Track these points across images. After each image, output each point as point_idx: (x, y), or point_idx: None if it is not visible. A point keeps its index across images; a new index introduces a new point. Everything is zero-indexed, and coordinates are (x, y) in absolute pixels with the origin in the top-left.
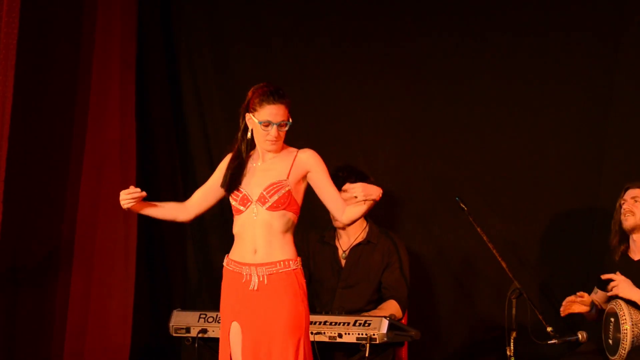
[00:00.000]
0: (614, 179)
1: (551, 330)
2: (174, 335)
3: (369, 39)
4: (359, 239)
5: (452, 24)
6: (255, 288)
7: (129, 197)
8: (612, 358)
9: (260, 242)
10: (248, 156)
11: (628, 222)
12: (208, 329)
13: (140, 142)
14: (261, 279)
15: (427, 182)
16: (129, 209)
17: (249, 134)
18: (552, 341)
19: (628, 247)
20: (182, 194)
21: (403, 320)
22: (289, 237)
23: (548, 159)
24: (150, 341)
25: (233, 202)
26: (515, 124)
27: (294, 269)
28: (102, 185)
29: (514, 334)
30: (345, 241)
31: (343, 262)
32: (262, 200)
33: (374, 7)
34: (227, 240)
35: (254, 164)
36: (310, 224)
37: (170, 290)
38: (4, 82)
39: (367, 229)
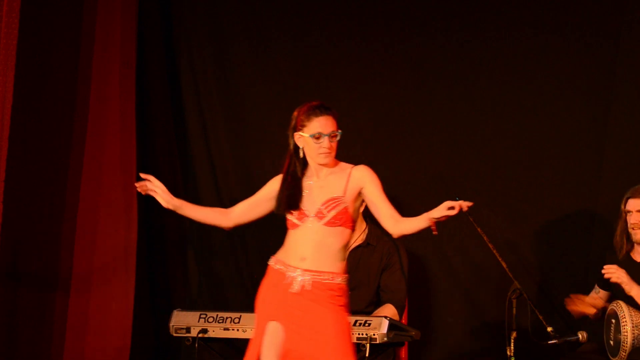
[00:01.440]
0: (614, 179)
1: (551, 331)
2: (174, 335)
3: (369, 39)
4: (358, 242)
5: (452, 24)
6: (297, 291)
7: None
8: (613, 359)
9: (309, 251)
10: (303, 176)
11: (637, 236)
12: (208, 329)
13: (140, 142)
14: (304, 283)
15: (427, 182)
16: (173, 209)
17: (300, 153)
18: (553, 341)
19: (632, 247)
20: (182, 194)
21: (403, 320)
22: (342, 255)
23: (548, 159)
24: (150, 341)
25: (290, 218)
26: (516, 123)
27: (339, 283)
28: (102, 185)
29: (514, 334)
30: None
31: None
32: (319, 215)
33: (374, 7)
34: (226, 241)
35: (309, 182)
36: None
37: (171, 290)
38: (4, 82)
39: (366, 231)
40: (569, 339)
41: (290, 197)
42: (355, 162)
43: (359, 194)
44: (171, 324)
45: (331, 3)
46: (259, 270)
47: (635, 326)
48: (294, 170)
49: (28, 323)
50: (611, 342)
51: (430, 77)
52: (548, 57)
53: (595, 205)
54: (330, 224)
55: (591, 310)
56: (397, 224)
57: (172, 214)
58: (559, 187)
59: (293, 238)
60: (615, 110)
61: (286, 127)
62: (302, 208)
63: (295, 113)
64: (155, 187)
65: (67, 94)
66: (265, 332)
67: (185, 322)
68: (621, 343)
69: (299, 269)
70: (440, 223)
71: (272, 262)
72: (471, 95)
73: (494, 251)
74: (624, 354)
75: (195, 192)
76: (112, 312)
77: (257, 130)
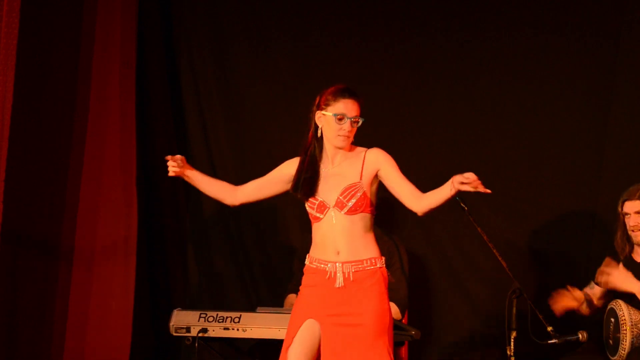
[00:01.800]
0: (614, 179)
1: (551, 330)
2: (174, 334)
3: (369, 39)
4: None
5: (452, 24)
6: (342, 285)
7: (171, 167)
8: (613, 358)
9: (342, 244)
10: (320, 160)
11: (639, 238)
12: (208, 328)
13: (140, 142)
14: (347, 276)
15: (427, 181)
16: (181, 176)
17: (318, 133)
18: (553, 341)
19: (632, 248)
20: (182, 193)
21: (403, 320)
22: (371, 237)
23: (548, 159)
24: (150, 341)
25: (310, 210)
26: (516, 123)
27: (380, 267)
28: (102, 185)
29: (514, 334)
30: None
31: None
32: (339, 205)
33: (374, 7)
34: (226, 240)
35: (324, 169)
36: (306, 226)
37: (171, 289)
38: (4, 82)
39: None
40: (569, 338)
41: (308, 182)
42: None
43: (375, 176)
44: (171, 324)
45: (331, 3)
46: (259, 270)
47: (634, 325)
48: (313, 153)
49: (28, 323)
50: (610, 341)
51: (430, 77)
52: (548, 57)
53: (595, 205)
54: (351, 211)
55: (573, 304)
56: (420, 201)
57: (172, 213)
58: (559, 187)
59: (320, 232)
60: (615, 110)
61: (287, 128)
62: (321, 199)
63: (321, 93)
64: (178, 161)
65: (67, 93)
66: (301, 328)
67: (185, 321)
68: (620, 342)
69: (337, 262)
70: (441, 223)
71: (309, 261)
72: (471, 95)
73: (494, 251)
74: (623, 352)
75: (196, 191)
76: (112, 311)
77: (257, 130)
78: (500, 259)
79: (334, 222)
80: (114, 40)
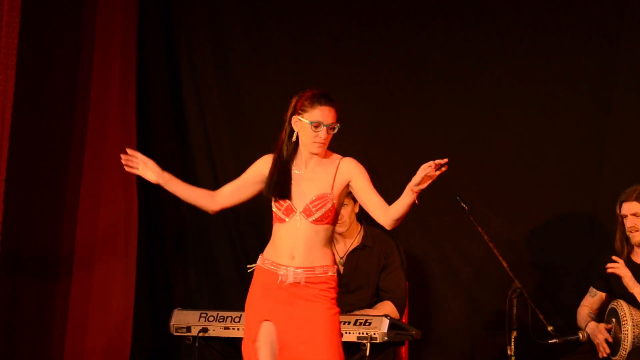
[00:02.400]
0: (614, 180)
1: (552, 330)
2: (175, 334)
3: (369, 39)
4: (355, 244)
5: (453, 24)
6: (290, 282)
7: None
8: (613, 358)
9: (300, 250)
10: (292, 162)
11: (636, 238)
12: (209, 328)
13: (140, 142)
14: (298, 280)
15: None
16: (160, 184)
17: (294, 137)
18: (553, 340)
19: (632, 250)
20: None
21: (404, 320)
22: (328, 246)
23: (549, 159)
24: (150, 340)
25: (276, 211)
26: (516, 123)
27: (331, 275)
28: (103, 185)
29: (514, 334)
30: (342, 247)
31: (341, 268)
32: (307, 212)
33: (375, 7)
34: (227, 240)
35: (297, 171)
36: None
37: (171, 289)
38: (4, 82)
39: (362, 232)
40: (569, 338)
41: (280, 185)
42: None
43: (346, 187)
44: (171, 323)
45: (332, 3)
46: None
47: (636, 325)
48: (285, 155)
49: (28, 323)
50: (611, 341)
51: (430, 77)
52: (548, 57)
53: (596, 205)
54: (317, 222)
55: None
56: (386, 213)
57: (172, 213)
58: (559, 187)
59: (280, 234)
60: (615, 110)
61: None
62: (290, 203)
63: (296, 97)
64: (142, 161)
65: (68, 93)
66: (260, 332)
67: (186, 321)
68: (621, 342)
69: (290, 267)
70: (441, 222)
71: (261, 261)
72: (471, 96)
73: (495, 250)
74: (624, 352)
75: None
76: (113, 311)
77: (258, 130)
78: (500, 258)
79: (298, 227)
80: (114, 40)
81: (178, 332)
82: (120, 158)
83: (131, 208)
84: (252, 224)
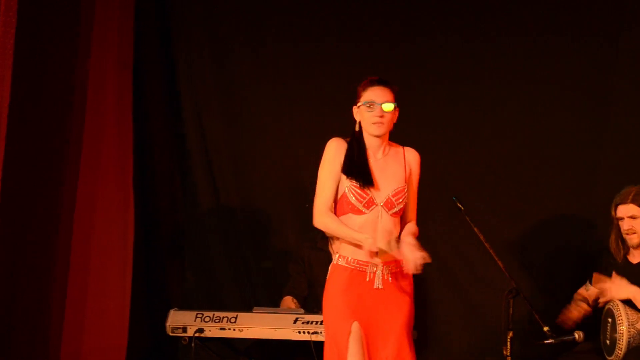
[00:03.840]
0: (611, 180)
1: (548, 330)
2: (171, 334)
3: (367, 39)
4: None
5: (452, 25)
6: (381, 286)
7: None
8: (609, 358)
9: (382, 244)
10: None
11: (633, 241)
12: (205, 328)
13: (137, 142)
14: (385, 277)
15: (423, 181)
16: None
17: (357, 127)
18: (549, 341)
19: (628, 250)
20: (179, 195)
21: None
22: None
23: (546, 159)
24: (147, 341)
25: (355, 202)
26: (513, 124)
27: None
28: (99, 185)
29: (510, 334)
30: (338, 247)
31: None
32: (389, 205)
33: (372, 7)
34: (223, 240)
35: (371, 160)
36: (302, 229)
37: (167, 289)
38: (1, 82)
39: None
40: (565, 338)
41: (362, 170)
42: None
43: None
44: (168, 324)
45: (330, 4)
46: (255, 270)
47: (632, 325)
48: (360, 142)
49: (25, 323)
50: (607, 342)
51: (430, 77)
52: (546, 58)
53: (593, 206)
54: (395, 214)
55: (581, 312)
56: (408, 225)
57: (168, 213)
58: (556, 187)
59: (358, 227)
60: (614, 111)
61: (285, 128)
62: (370, 194)
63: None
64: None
65: (65, 93)
66: (351, 332)
67: (182, 321)
68: (617, 342)
69: (378, 264)
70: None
71: (342, 261)
72: (470, 96)
73: (491, 250)
74: (620, 352)
75: (193, 192)
76: (109, 311)
77: (255, 130)
78: (496, 258)
79: (380, 220)
80: (111, 40)
81: (174, 333)
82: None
83: (128, 209)
84: (247, 225)
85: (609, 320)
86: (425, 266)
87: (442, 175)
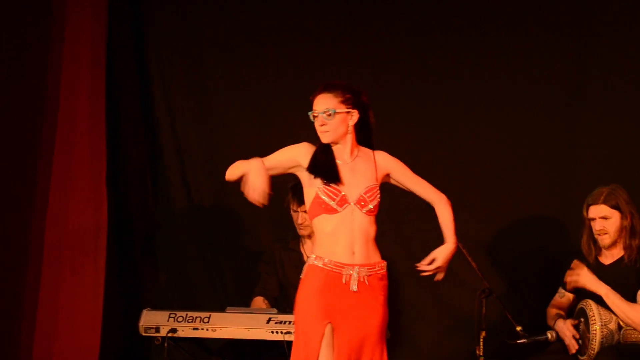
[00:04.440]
0: (584, 181)
1: (520, 330)
2: (144, 334)
3: (344, 40)
4: None
5: (430, 25)
6: (356, 289)
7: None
8: (582, 358)
9: (359, 244)
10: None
11: (605, 242)
12: (178, 328)
13: (109, 141)
14: (362, 280)
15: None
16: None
17: None
18: (522, 340)
19: (600, 251)
20: (151, 193)
21: None
22: (375, 242)
23: (518, 160)
24: (119, 341)
25: (328, 200)
26: (487, 125)
27: (385, 272)
28: (72, 184)
29: (483, 334)
30: (310, 248)
31: None
32: (361, 203)
33: (348, 9)
34: (195, 240)
35: (337, 161)
36: (274, 229)
37: (140, 289)
38: None
39: None
40: (538, 338)
41: (330, 168)
42: None
43: (383, 178)
44: (140, 324)
45: (304, 6)
46: (228, 270)
47: (604, 325)
48: (326, 146)
49: None
50: (580, 341)
51: (406, 79)
52: (519, 59)
53: (566, 206)
54: (369, 212)
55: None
56: (436, 206)
57: (141, 213)
58: (529, 188)
59: (331, 227)
60: (586, 112)
61: (257, 128)
62: (343, 192)
63: None
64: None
65: (37, 92)
66: (325, 335)
67: (155, 321)
68: (590, 342)
69: (354, 265)
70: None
71: (319, 262)
72: (442, 97)
73: (464, 250)
74: (592, 352)
75: (166, 192)
76: (82, 311)
77: (227, 130)
78: (469, 258)
79: (354, 219)
80: (84, 40)
81: (147, 333)
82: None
83: (100, 208)
84: (221, 225)
85: (582, 319)
86: (398, 266)
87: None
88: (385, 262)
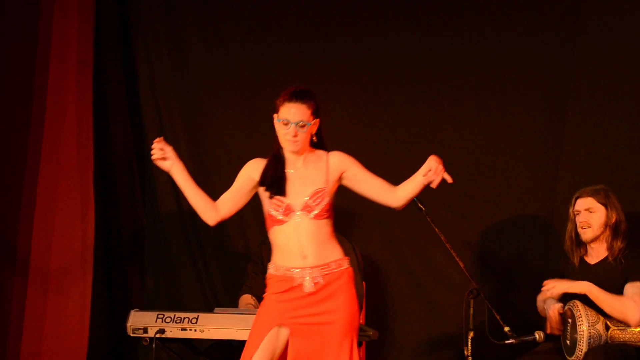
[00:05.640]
0: (570, 181)
1: (508, 330)
2: (132, 335)
3: (326, 40)
4: None
5: (410, 23)
6: (312, 290)
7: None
8: (570, 359)
9: (309, 248)
10: (285, 160)
11: (587, 235)
12: (166, 329)
13: (97, 142)
14: (317, 280)
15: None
16: (171, 173)
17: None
18: (510, 341)
19: (585, 251)
20: (139, 194)
21: (361, 321)
22: (334, 240)
23: (506, 160)
24: (107, 341)
25: (274, 212)
26: (473, 124)
27: (346, 268)
28: (59, 186)
29: (471, 334)
30: None
31: None
32: (307, 209)
33: (332, 9)
34: (183, 241)
35: (290, 170)
36: (261, 229)
37: (128, 290)
38: None
39: None
40: (525, 338)
41: (276, 181)
42: None
43: (338, 180)
44: (128, 324)
45: (289, 5)
46: (217, 271)
47: (592, 326)
48: (279, 154)
49: None
50: (567, 342)
51: (389, 79)
52: (505, 58)
53: (552, 206)
54: (318, 216)
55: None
56: (396, 193)
57: (129, 214)
58: (516, 188)
59: (282, 237)
60: (572, 112)
61: (245, 127)
62: (288, 202)
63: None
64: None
65: (24, 93)
66: (265, 335)
67: (143, 322)
68: (577, 342)
69: (305, 268)
70: (398, 223)
71: (273, 269)
72: (427, 96)
73: (452, 251)
74: (580, 353)
75: (153, 192)
76: (69, 312)
77: (214, 130)
78: (457, 259)
79: (301, 226)
80: (71, 40)
81: (135, 333)
82: (77, 157)
83: (88, 209)
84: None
85: (569, 320)
86: (386, 266)
87: (403, 176)
88: (346, 259)
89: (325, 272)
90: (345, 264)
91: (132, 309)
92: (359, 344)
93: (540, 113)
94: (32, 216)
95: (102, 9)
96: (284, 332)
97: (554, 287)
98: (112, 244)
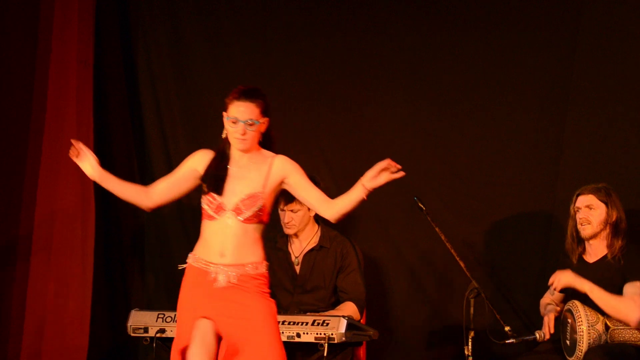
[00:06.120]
0: (570, 180)
1: (509, 330)
2: (132, 335)
3: (324, 37)
4: (311, 245)
5: (410, 23)
6: (223, 286)
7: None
8: (570, 359)
9: (229, 248)
10: (229, 158)
11: (586, 231)
12: (166, 329)
13: (97, 141)
14: (230, 279)
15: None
16: (96, 180)
17: (224, 134)
18: (510, 340)
19: (584, 250)
20: None
21: (361, 320)
22: (258, 244)
23: (506, 159)
24: (108, 341)
25: (207, 208)
26: (474, 124)
27: (262, 272)
28: (60, 184)
29: (471, 334)
30: (297, 247)
31: (297, 268)
32: (237, 211)
33: (330, 7)
34: (184, 240)
35: (231, 168)
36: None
37: (128, 290)
38: None
39: (318, 233)
40: (526, 338)
41: (216, 179)
42: (314, 162)
43: (279, 184)
44: (129, 324)
45: (288, 2)
46: None
47: (591, 326)
48: (225, 151)
49: None
50: (567, 342)
51: (387, 76)
52: (505, 57)
53: (552, 205)
54: (247, 221)
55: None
56: (331, 206)
57: (130, 214)
58: (517, 187)
59: (210, 231)
60: (572, 112)
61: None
62: (220, 200)
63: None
64: (84, 153)
65: (24, 93)
66: (194, 329)
67: (143, 322)
68: (577, 343)
69: (220, 265)
70: (398, 223)
71: (192, 259)
72: (427, 96)
73: (452, 251)
74: (580, 353)
75: None
76: (70, 312)
77: (214, 129)
78: (457, 259)
79: (228, 225)
80: (71, 39)
81: (135, 333)
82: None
83: (88, 208)
84: None
85: (569, 321)
86: (386, 266)
87: (403, 176)
88: (265, 263)
89: (239, 272)
90: (261, 268)
91: (133, 308)
92: (359, 344)
93: (540, 113)
94: (33, 215)
95: (102, 9)
96: (211, 324)
97: (559, 280)
98: (112, 244)
